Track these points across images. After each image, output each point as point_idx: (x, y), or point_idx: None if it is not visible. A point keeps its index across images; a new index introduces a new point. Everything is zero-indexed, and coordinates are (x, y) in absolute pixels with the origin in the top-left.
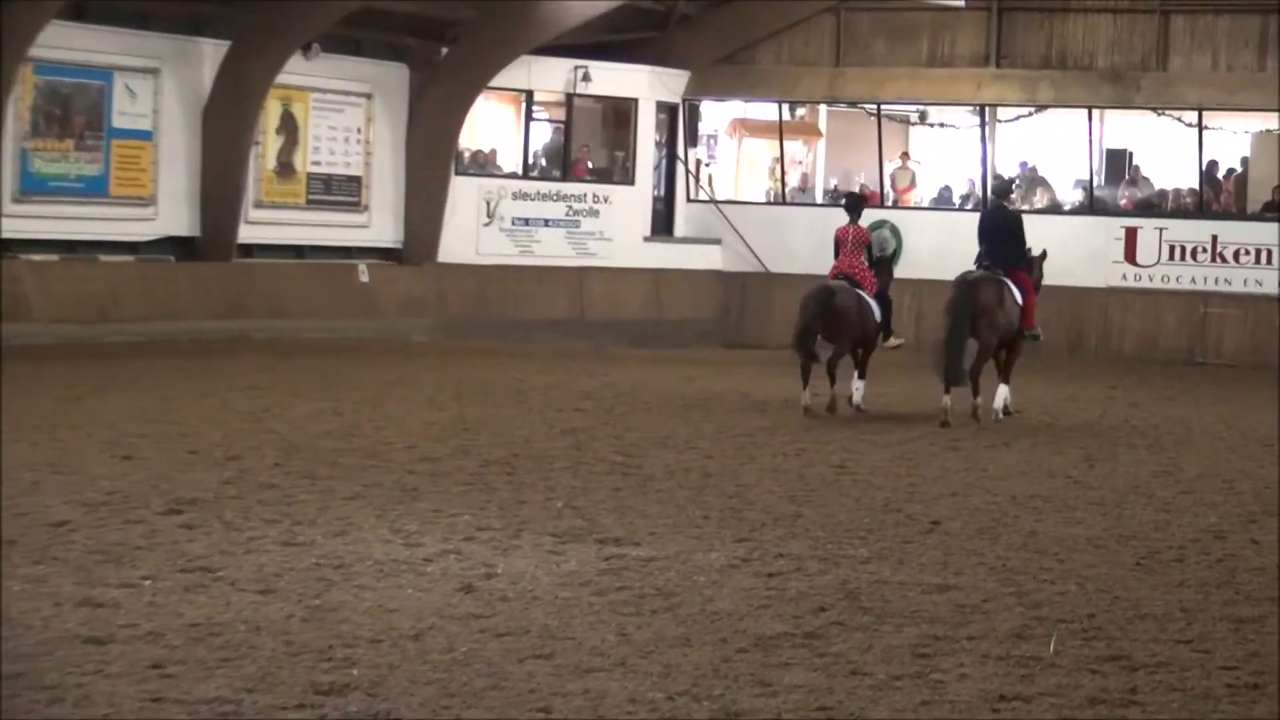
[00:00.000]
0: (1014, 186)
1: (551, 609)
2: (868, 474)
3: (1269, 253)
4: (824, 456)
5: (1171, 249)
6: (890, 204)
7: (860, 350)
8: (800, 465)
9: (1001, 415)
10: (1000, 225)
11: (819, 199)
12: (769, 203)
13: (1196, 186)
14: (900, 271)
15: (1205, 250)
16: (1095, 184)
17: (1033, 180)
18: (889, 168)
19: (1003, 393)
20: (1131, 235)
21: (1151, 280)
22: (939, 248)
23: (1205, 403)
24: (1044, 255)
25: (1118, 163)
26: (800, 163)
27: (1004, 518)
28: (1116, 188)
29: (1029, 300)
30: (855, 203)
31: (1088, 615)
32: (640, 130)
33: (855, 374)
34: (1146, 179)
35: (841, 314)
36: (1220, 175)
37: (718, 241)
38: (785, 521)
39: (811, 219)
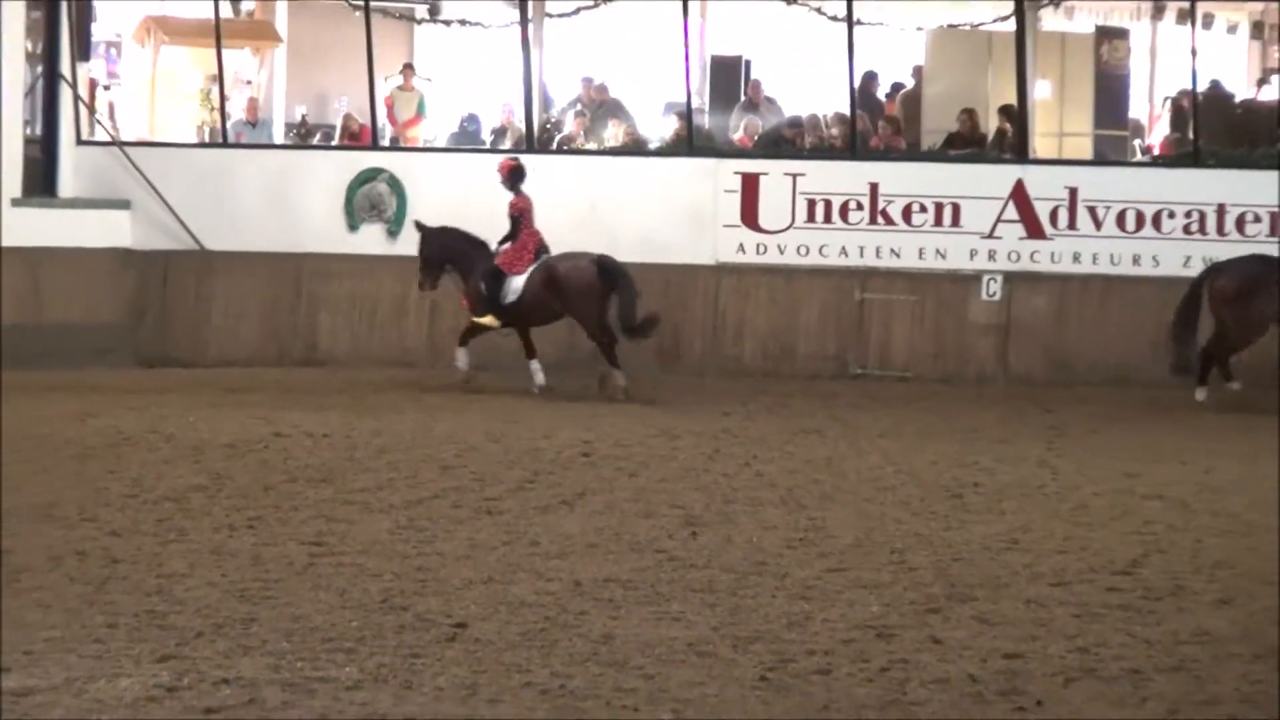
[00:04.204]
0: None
1: None
2: (358, 553)
3: (955, 209)
4: (292, 529)
5: (811, 205)
6: (387, 144)
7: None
8: (256, 543)
9: None
10: None
11: (279, 137)
12: (203, 144)
13: (847, 111)
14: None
15: (861, 206)
16: (696, 109)
17: (601, 105)
18: (385, 88)
19: None
20: (751, 185)
21: (784, 252)
22: (459, 210)
23: (865, 435)
24: None
25: (729, 76)
26: (250, 82)
27: (563, 615)
28: (728, 115)
29: None
30: (519, 171)
31: None
32: (2, 35)
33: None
34: (772, 101)
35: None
36: (882, 94)
37: (126, 205)
38: (232, 629)
39: (268, 168)
